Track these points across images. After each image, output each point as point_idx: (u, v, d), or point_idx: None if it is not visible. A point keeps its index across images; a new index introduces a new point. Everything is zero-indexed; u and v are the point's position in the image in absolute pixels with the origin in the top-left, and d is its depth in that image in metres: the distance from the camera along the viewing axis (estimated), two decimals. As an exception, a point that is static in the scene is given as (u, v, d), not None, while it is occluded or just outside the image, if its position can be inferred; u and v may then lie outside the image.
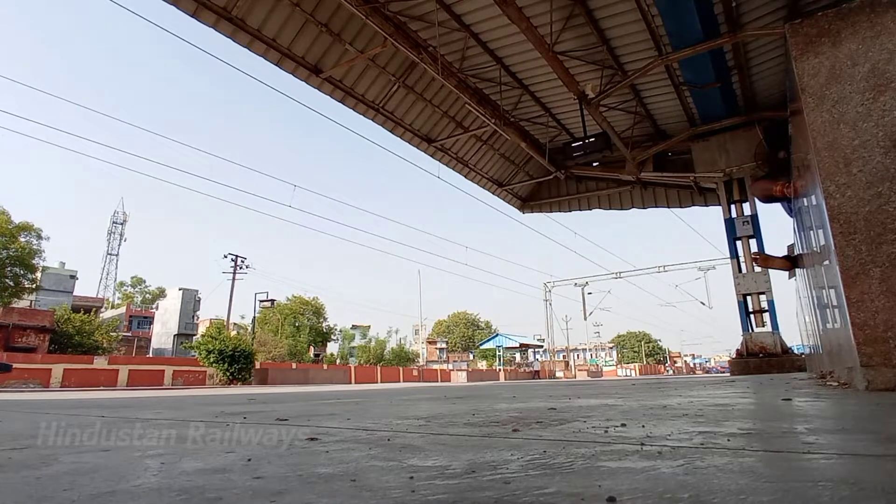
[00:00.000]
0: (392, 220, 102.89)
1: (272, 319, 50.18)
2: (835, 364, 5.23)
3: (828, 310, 4.88)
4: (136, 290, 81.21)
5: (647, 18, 11.10)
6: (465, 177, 18.30)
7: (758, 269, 14.31)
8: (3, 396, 9.50)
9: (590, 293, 42.67)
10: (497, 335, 62.56)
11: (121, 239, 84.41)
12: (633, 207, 19.56)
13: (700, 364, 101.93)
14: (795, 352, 14.92)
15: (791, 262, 6.54)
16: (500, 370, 51.21)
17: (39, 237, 30.64)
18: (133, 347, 48.57)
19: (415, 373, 44.53)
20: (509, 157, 18.83)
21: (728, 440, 1.47)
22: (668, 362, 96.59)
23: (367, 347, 63.04)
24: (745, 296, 14.66)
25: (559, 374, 53.11)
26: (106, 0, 10.64)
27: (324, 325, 54.94)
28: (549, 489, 0.94)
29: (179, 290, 53.39)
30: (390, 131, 15.27)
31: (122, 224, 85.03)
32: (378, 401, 4.80)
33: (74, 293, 45.54)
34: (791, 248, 7.03)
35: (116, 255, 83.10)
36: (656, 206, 19.27)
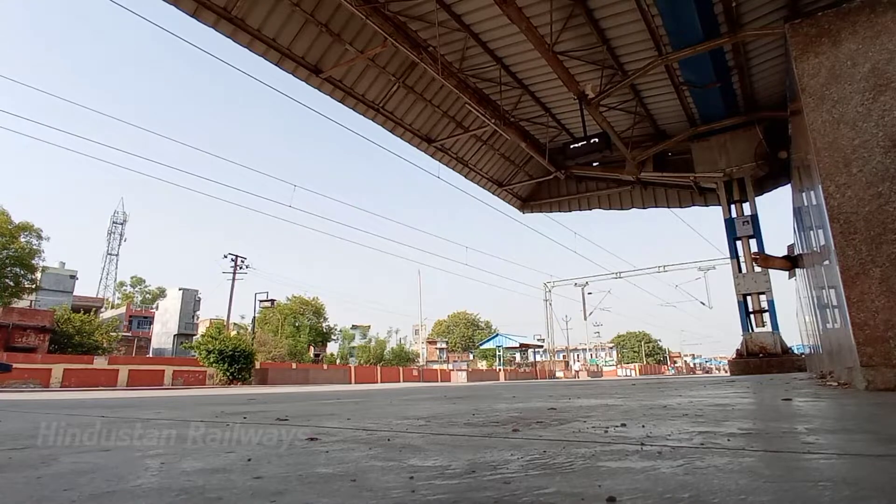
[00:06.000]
0: (392, 220, 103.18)
1: (272, 319, 50.19)
2: (835, 364, 5.23)
3: (828, 310, 4.88)
4: (136, 290, 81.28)
5: (647, 18, 11.11)
6: (465, 177, 18.31)
7: (758, 269, 14.31)
8: (3, 396, 9.50)
9: (590, 293, 42.79)
10: (497, 335, 62.43)
11: (121, 239, 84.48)
12: (633, 207, 19.56)
13: (700, 364, 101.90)
14: (795, 352, 14.91)
15: (791, 262, 6.55)
16: (500, 370, 51.20)
17: (39, 237, 30.70)
18: (133, 347, 48.58)
19: (415, 373, 44.54)
20: (509, 157, 18.83)
21: (728, 440, 1.47)
22: (669, 362, 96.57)
23: (367, 347, 63.10)
24: (745, 296, 14.67)
25: (559, 374, 53.13)
26: (106, 0, 10.63)
27: (324, 325, 54.95)
28: (549, 489, 0.94)
29: (179, 290, 53.40)
30: (390, 131, 15.27)
31: (122, 224, 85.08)
32: (378, 401, 4.80)
33: (74, 293, 45.53)
34: (791, 248, 7.04)
35: (116, 255, 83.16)
36: (656, 206, 19.27)
